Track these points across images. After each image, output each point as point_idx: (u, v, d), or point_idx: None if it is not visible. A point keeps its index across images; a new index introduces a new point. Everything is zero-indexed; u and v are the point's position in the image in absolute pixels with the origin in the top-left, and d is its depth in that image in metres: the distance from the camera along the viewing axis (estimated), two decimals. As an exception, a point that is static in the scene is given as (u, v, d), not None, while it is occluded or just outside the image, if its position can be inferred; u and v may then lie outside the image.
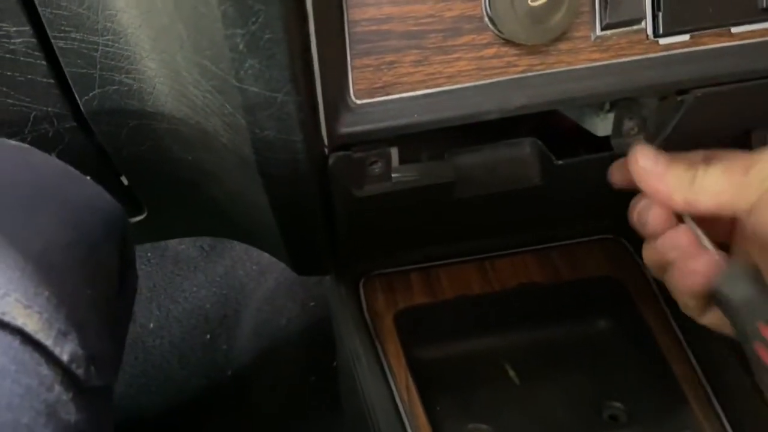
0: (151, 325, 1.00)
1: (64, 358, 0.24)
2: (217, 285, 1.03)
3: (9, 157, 0.30)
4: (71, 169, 0.31)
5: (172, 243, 1.05)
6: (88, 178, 0.32)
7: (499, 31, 0.34)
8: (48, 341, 0.24)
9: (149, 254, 1.04)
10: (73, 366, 0.25)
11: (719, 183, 0.32)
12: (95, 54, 0.35)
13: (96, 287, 0.28)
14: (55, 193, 0.29)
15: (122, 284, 0.32)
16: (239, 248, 1.06)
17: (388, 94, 0.35)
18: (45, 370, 0.24)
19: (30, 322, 0.23)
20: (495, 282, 0.58)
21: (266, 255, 0.68)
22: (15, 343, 0.23)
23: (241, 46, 0.27)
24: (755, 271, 0.31)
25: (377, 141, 0.38)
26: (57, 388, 0.24)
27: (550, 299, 0.57)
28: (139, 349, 0.96)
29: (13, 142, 0.31)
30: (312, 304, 0.94)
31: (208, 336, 1.00)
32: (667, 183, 0.34)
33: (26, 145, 0.31)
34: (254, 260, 1.04)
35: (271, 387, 0.90)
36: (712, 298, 0.33)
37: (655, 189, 0.34)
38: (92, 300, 0.27)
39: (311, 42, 0.30)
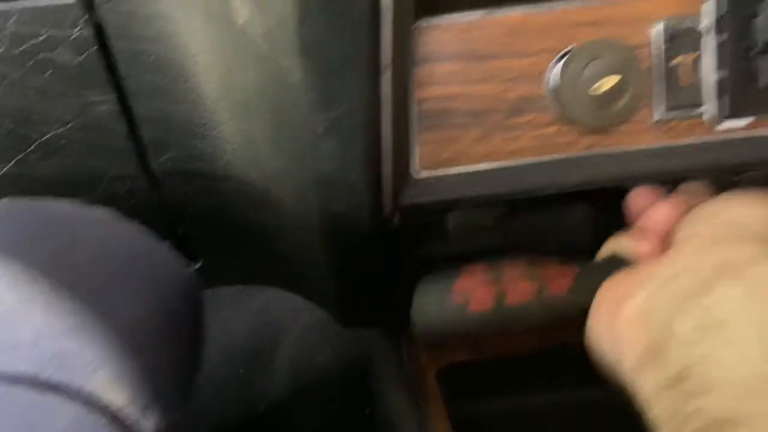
0: (186, 357, 1.01)
1: None
2: (252, 320, 1.04)
3: (98, 227, 0.31)
4: (153, 238, 0.33)
5: (209, 276, 1.06)
6: (166, 245, 0.33)
7: (562, 113, 0.35)
8: (134, 418, 0.25)
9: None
10: None
11: None
12: (173, 121, 0.37)
13: (174, 357, 0.29)
14: (140, 264, 0.31)
15: (193, 349, 0.33)
16: (274, 284, 1.06)
17: (449, 168, 0.36)
18: None
19: (117, 398, 0.25)
20: (539, 341, 0.58)
21: (301, 293, 0.70)
22: (103, 421, 0.24)
23: (320, 130, 0.29)
24: None
25: (437, 210, 0.39)
26: (140, 464, 0.25)
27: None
28: (173, 382, 0.97)
29: (100, 211, 0.33)
30: (347, 346, 0.95)
31: (242, 371, 1.00)
32: None
33: (111, 213, 0.33)
34: (289, 297, 1.05)
35: (304, 428, 0.90)
36: None
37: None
38: (171, 371, 0.28)
39: (384, 124, 0.31)
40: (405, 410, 0.50)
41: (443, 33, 0.34)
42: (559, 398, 0.57)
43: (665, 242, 0.36)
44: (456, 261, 0.48)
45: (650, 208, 0.37)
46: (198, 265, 0.51)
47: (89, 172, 0.39)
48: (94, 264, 0.29)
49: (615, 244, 0.38)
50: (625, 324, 0.32)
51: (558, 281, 0.36)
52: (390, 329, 0.57)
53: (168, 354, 0.29)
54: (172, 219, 0.46)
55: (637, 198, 0.39)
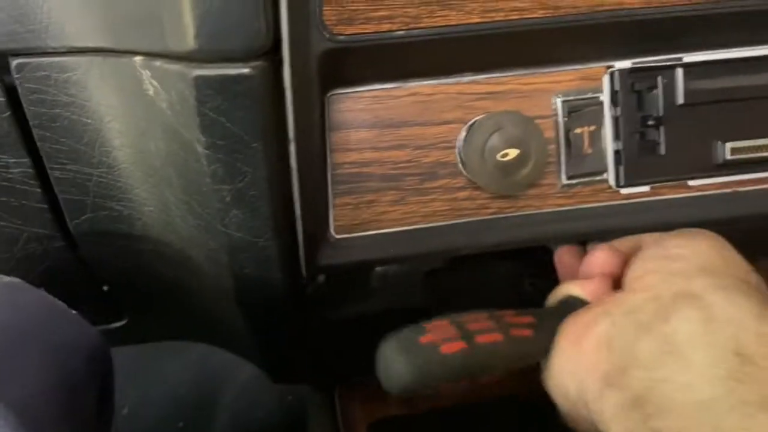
0: (125, 410, 0.98)
1: None
2: (193, 371, 1.02)
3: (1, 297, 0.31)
4: (59, 305, 0.32)
5: (151, 327, 1.04)
6: (75, 312, 0.33)
7: (471, 179, 0.36)
8: None
9: (127, 337, 1.03)
10: None
11: None
12: (89, 183, 0.37)
13: (76, 430, 0.28)
14: (41, 334, 0.30)
15: (99, 421, 0.32)
16: (218, 334, 1.05)
17: (366, 231, 0.37)
18: None
19: None
20: (475, 395, 0.58)
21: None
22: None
23: (227, 199, 0.29)
24: None
25: (358, 270, 0.39)
26: None
27: (532, 415, 0.57)
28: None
29: (5, 278, 0.32)
30: (289, 397, 0.93)
31: (181, 424, 0.98)
32: None
33: (17, 281, 0.32)
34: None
35: (244, 484, 0.88)
36: None
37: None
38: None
39: (294, 192, 0.32)
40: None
41: (356, 102, 0.35)
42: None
43: (613, 283, 0.37)
44: (385, 318, 0.48)
45: (588, 256, 0.39)
46: (123, 323, 0.51)
47: (4, 232, 0.38)
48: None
49: (563, 291, 0.39)
50: (589, 350, 0.33)
51: (520, 329, 0.37)
52: (322, 383, 0.57)
53: (68, 428, 0.28)
54: (94, 277, 0.45)
55: (564, 256, 0.41)
